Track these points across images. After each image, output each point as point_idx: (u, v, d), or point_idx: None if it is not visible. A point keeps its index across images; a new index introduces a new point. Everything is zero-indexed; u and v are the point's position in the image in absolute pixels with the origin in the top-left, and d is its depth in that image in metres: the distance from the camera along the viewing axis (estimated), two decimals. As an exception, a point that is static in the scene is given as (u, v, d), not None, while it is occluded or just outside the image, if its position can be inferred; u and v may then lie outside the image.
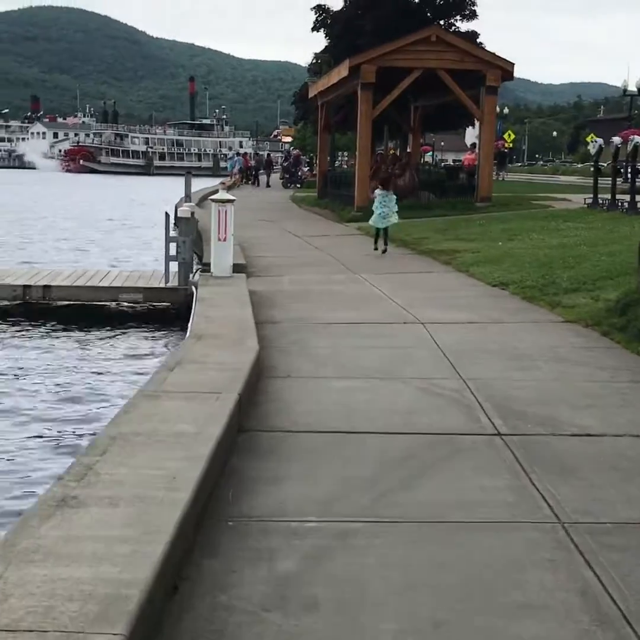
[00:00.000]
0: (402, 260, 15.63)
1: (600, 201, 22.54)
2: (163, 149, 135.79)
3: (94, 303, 13.36)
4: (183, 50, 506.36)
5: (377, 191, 16.07)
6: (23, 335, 12.68)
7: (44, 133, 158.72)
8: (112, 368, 10.82)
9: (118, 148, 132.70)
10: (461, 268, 13.89)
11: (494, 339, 8.68)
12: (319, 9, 41.06)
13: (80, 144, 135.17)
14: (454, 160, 69.94)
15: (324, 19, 41.02)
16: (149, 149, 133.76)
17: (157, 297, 13.39)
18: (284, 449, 5.27)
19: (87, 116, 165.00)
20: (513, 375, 7.16)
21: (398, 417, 5.93)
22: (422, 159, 42.49)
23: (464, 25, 39.60)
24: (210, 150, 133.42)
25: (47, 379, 10.30)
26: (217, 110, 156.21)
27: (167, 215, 12.80)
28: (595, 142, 23.84)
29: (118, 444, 4.49)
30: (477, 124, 53.72)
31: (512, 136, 69.96)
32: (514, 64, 24.34)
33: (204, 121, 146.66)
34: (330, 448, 5.30)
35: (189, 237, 12.40)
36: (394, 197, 16.02)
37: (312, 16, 41.10)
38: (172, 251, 12.69)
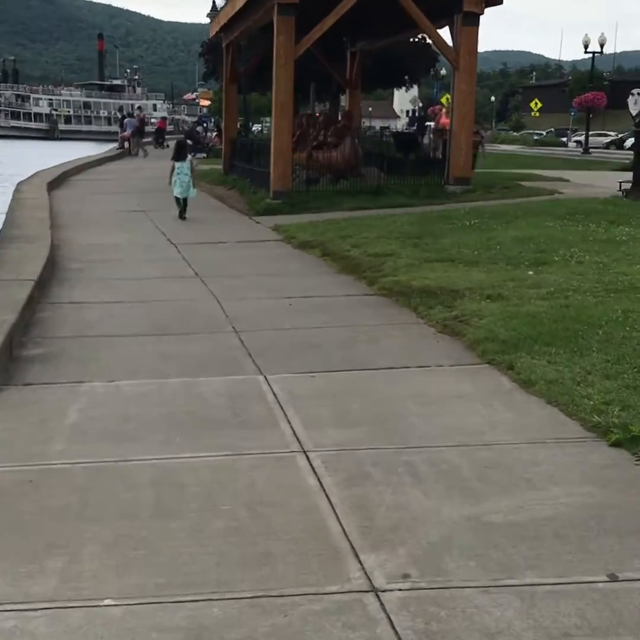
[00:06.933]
0: (355, 315, 7.79)
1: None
2: (69, 111, 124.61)
3: None
4: (100, 11, 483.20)
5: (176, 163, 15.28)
6: None
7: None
8: None
9: (19, 110, 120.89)
10: (498, 360, 6.11)
11: None
12: None
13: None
14: (381, 128, 62.04)
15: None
16: (54, 112, 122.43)
17: None
18: None
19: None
20: None
21: None
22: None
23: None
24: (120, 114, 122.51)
25: None
26: (128, 71, 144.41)
27: None
28: (637, 95, 16.28)
29: None
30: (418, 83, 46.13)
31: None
32: (503, -19, 16.59)
33: (115, 82, 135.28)
34: None
35: None
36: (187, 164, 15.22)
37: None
38: None
